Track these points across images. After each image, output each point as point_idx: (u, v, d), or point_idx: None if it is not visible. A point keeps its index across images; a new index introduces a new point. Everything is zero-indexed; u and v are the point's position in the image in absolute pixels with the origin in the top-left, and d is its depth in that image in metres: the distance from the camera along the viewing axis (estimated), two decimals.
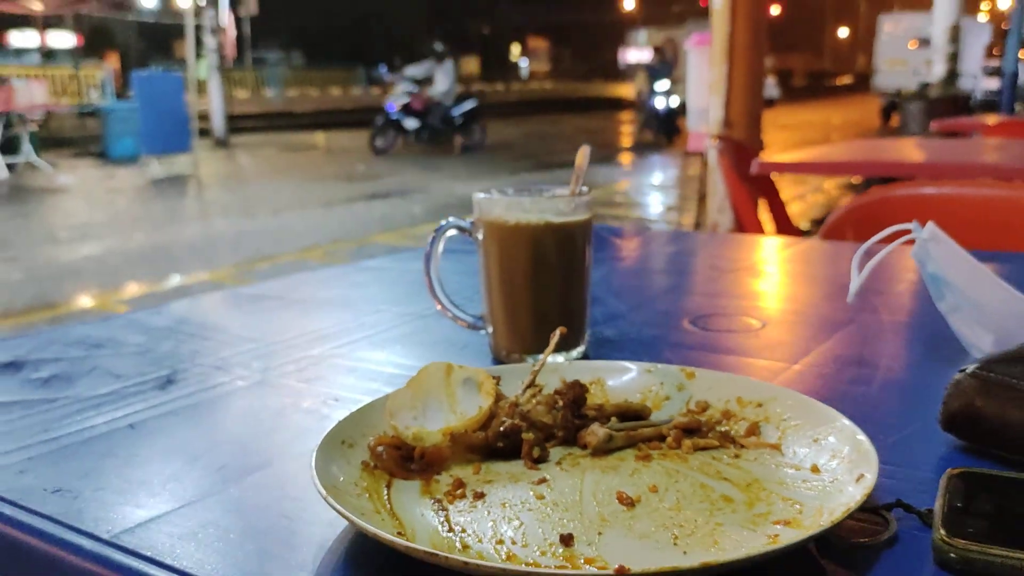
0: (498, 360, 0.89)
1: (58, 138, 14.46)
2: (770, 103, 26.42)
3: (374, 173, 10.64)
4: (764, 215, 3.40)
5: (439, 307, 0.89)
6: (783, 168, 3.35)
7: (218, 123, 15.29)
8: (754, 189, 3.45)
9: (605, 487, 0.59)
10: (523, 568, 0.45)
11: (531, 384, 0.69)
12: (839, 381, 0.82)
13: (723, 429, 0.67)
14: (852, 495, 0.53)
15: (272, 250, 6.49)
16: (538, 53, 53.74)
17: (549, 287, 0.86)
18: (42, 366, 0.92)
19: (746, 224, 3.26)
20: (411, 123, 12.89)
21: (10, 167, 10.86)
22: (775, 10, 26.06)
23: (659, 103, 14.59)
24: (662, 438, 0.66)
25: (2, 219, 8.14)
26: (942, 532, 0.51)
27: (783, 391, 0.68)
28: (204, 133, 14.36)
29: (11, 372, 0.91)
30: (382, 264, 1.43)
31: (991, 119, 5.81)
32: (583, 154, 0.89)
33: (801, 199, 8.63)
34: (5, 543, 0.59)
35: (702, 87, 6.39)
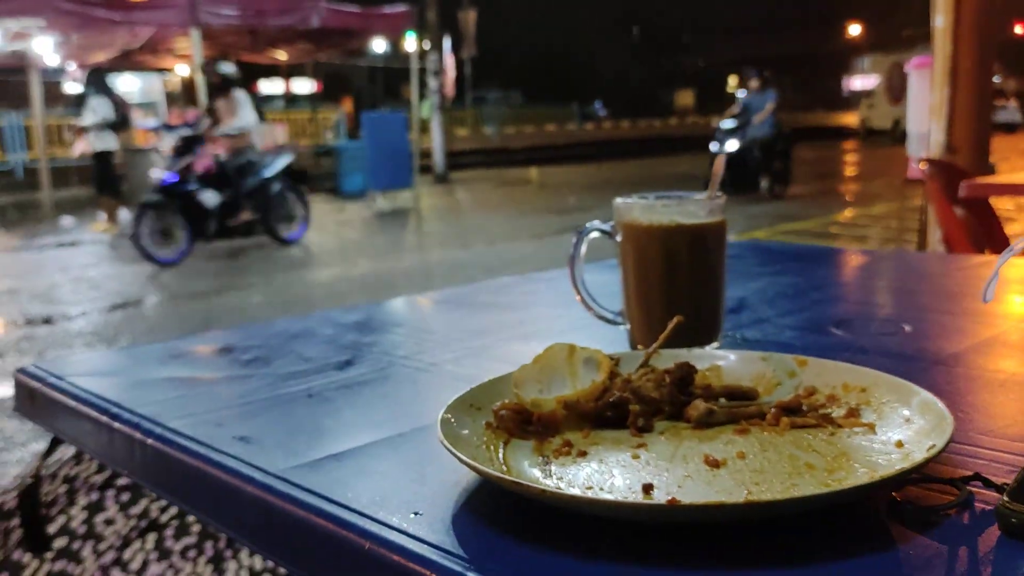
0: (636, 350, 0.96)
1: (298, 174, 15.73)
2: (1012, 128, 24.51)
3: (583, 206, 10.86)
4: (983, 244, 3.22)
5: (580, 301, 0.97)
6: (993, 191, 3.17)
7: (439, 159, 16.10)
8: (969, 215, 3.29)
9: (697, 452, 0.65)
10: (589, 496, 0.52)
11: (644, 364, 0.76)
12: (969, 376, 0.83)
13: (824, 412, 0.71)
14: (915, 460, 0.56)
15: (484, 278, 6.76)
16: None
17: (680, 285, 0.92)
18: (247, 351, 1.08)
19: (957, 250, 3.11)
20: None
21: None
22: (1020, 29, 24.21)
23: (729, 145, 10.98)
24: (763, 416, 0.71)
25: (246, 249, 8.97)
26: (1006, 499, 0.53)
27: (887, 377, 0.71)
28: (425, 169, 15.17)
29: (223, 355, 1.08)
30: (552, 275, 1.53)
31: None
32: (720, 162, 0.95)
33: None
34: (199, 477, 0.73)
35: (923, 111, 6.08)
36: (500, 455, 0.66)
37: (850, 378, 0.74)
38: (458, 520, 0.58)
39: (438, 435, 0.63)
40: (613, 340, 1.02)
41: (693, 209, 0.92)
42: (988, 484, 0.58)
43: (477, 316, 1.24)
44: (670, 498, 0.51)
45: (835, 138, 27.58)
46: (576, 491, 0.59)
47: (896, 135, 21.00)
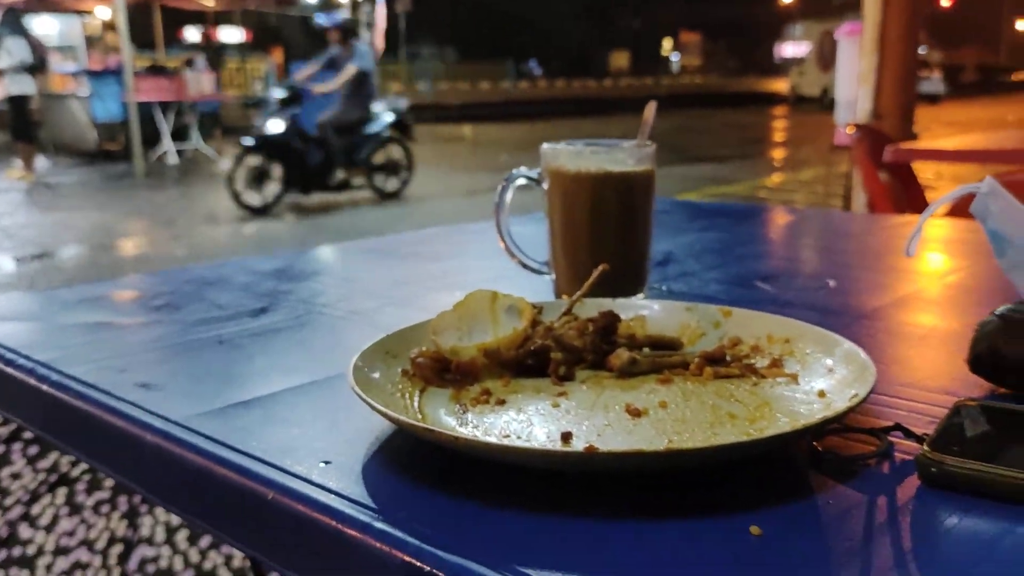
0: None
1: (226, 127, 15.32)
2: (934, 99, 25.13)
3: (516, 164, 10.79)
4: (904, 208, 3.29)
5: (504, 248, 0.95)
6: (918, 155, 3.24)
7: None
8: (893, 180, 3.35)
9: (619, 401, 0.64)
10: (504, 443, 0.50)
11: (567, 313, 0.74)
12: (891, 330, 0.83)
13: (748, 362, 0.70)
14: (837, 409, 0.55)
15: None
16: (690, 48, 52.94)
17: (607, 235, 0.90)
18: (158, 297, 1.03)
19: (880, 212, 3.17)
20: None
21: (179, 153, 11.60)
22: (945, 1, 24.73)
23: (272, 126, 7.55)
24: (687, 366, 0.70)
25: (170, 201, 8.72)
26: (926, 449, 0.53)
27: (811, 328, 0.71)
28: None
29: (132, 301, 1.03)
30: (480, 227, 1.50)
31: None
32: (650, 109, 0.92)
33: None
34: (97, 425, 0.69)
35: (851, 78, 6.18)
36: (415, 403, 0.64)
37: (774, 329, 0.73)
38: (369, 469, 0.56)
39: (349, 381, 0.60)
40: (539, 290, 1.00)
41: (622, 157, 0.89)
42: (908, 434, 0.58)
43: (402, 266, 1.21)
44: (588, 445, 0.49)
45: (766, 104, 27.95)
46: (492, 439, 0.57)
47: (825, 102, 21.35)
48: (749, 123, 19.86)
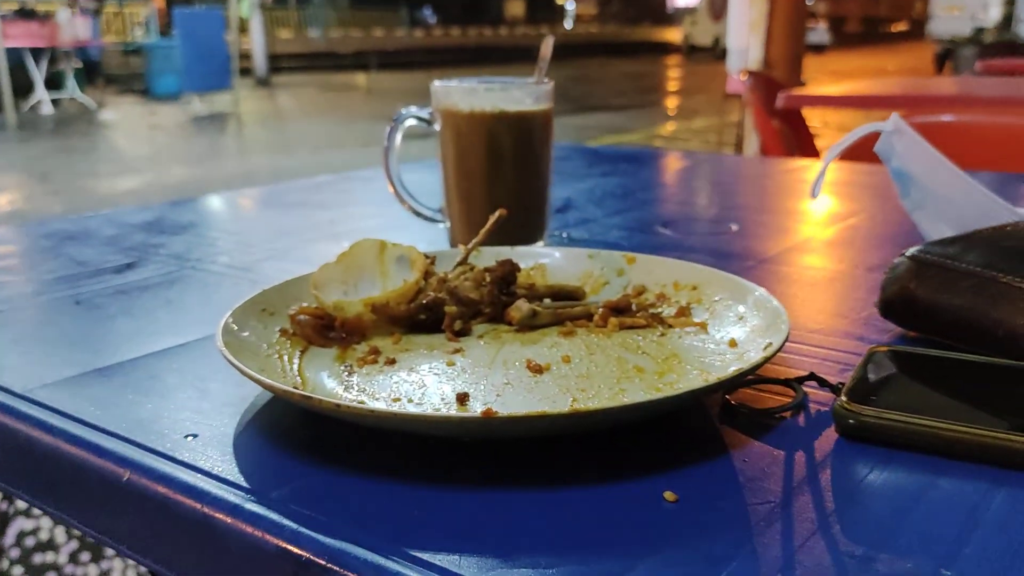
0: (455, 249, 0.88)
1: (108, 75, 14.58)
2: (820, 49, 25.75)
3: None
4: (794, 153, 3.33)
5: (394, 193, 0.88)
6: (808, 101, 3.27)
7: (259, 62, 15.31)
8: (786, 128, 3.38)
9: (519, 356, 0.59)
10: (393, 409, 0.45)
11: (462, 262, 0.69)
12: (800, 276, 0.81)
13: (655, 311, 0.66)
14: (752, 361, 0.51)
15: None
16: None
17: (504, 179, 0.85)
18: (7, 256, 0.93)
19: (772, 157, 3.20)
20: None
21: (55, 103, 10.99)
22: None
23: None
24: (590, 317, 0.65)
25: (45, 154, 8.25)
26: (843, 399, 0.50)
27: (718, 274, 0.67)
28: (245, 72, 14.40)
29: None
30: (369, 174, 1.43)
31: None
32: (547, 45, 0.87)
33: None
34: None
35: (742, 27, 6.23)
36: (295, 366, 0.57)
37: (681, 275, 0.69)
38: (241, 443, 0.49)
39: (217, 343, 0.53)
40: (433, 240, 0.94)
41: (518, 95, 0.84)
42: (823, 383, 0.55)
43: (285, 216, 1.13)
44: (486, 408, 0.44)
45: (660, 53, 28.18)
46: (379, 405, 0.51)
47: (717, 52, 21.64)
48: (644, 72, 19.99)
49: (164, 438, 0.50)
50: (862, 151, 1.94)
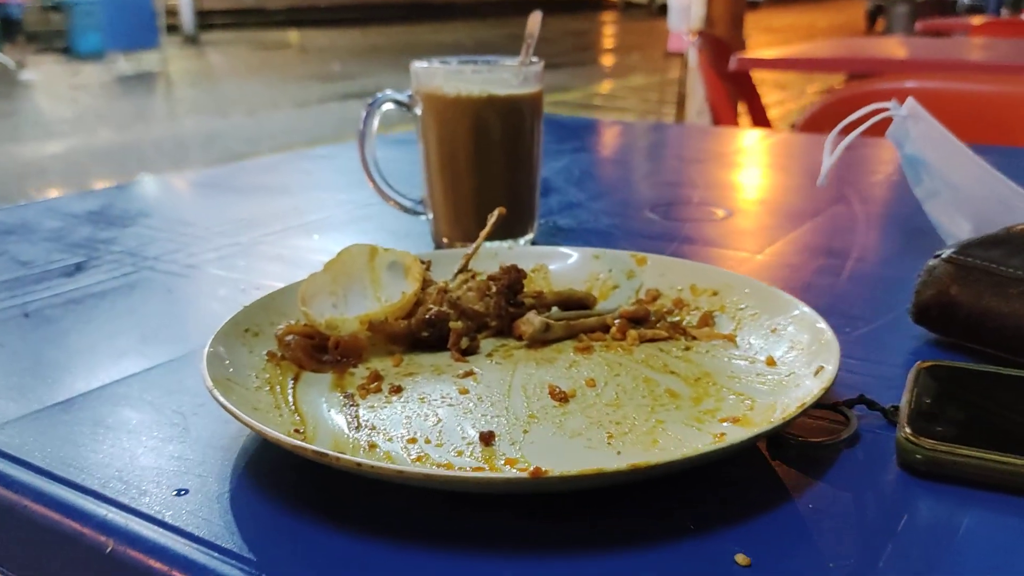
0: (439, 248, 0.82)
1: (29, 33, 13.94)
2: (754, 5, 25.85)
3: (349, 73, 10.36)
4: (742, 116, 3.30)
5: (373, 188, 0.82)
6: (762, 64, 3.24)
7: (187, 19, 14.78)
8: (733, 88, 3.34)
9: (537, 380, 0.53)
10: (423, 470, 0.39)
11: (463, 269, 0.63)
12: (805, 271, 0.76)
13: (674, 319, 0.61)
14: (808, 389, 0.47)
15: (244, 150, 6.32)
16: None
17: (493, 168, 0.78)
18: None
19: (723, 123, 3.17)
20: None
21: None
22: None
23: None
24: (606, 328, 0.60)
25: None
26: (907, 431, 0.45)
27: (740, 278, 0.62)
28: (172, 29, 13.92)
29: None
30: (332, 152, 1.35)
31: (977, 20, 5.67)
32: (534, 20, 0.80)
33: (781, 105, 8.48)
34: None
35: None
36: (290, 397, 0.51)
37: (698, 279, 0.64)
38: (240, 499, 0.43)
39: (204, 380, 0.47)
40: (410, 231, 0.88)
41: (506, 77, 0.77)
42: (873, 407, 0.50)
43: (244, 202, 1.05)
44: (534, 469, 0.38)
45: (594, 10, 28.01)
46: (399, 450, 0.45)
47: (653, 8, 21.60)
48: (579, 29, 19.84)
49: (149, 496, 0.43)
50: (824, 122, 1.91)
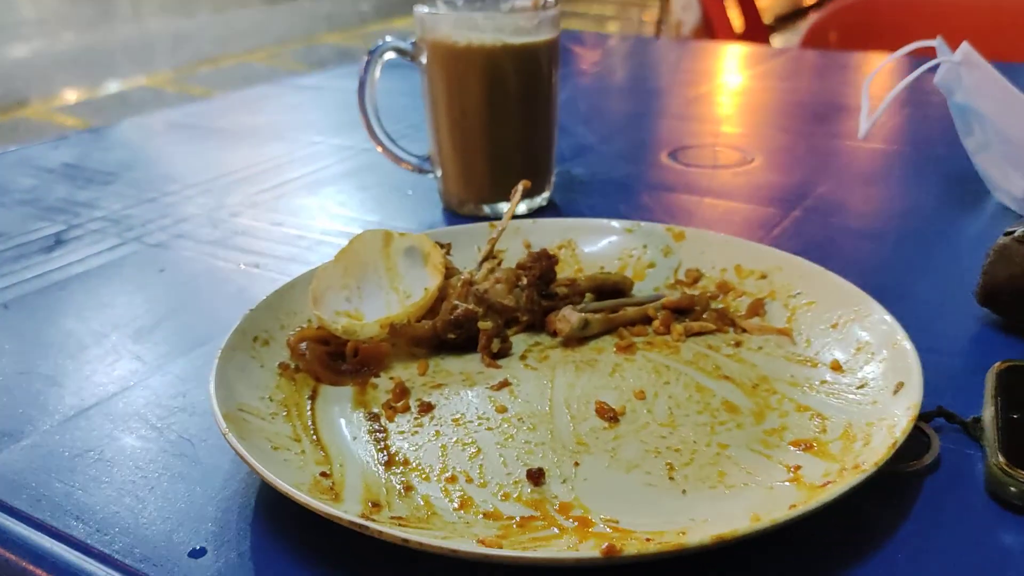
0: (449, 210, 0.76)
1: None
2: None
3: None
4: (732, 11, 3.18)
5: (379, 149, 0.75)
6: None
7: None
8: None
9: (580, 392, 0.48)
10: (478, 550, 0.34)
11: (489, 256, 0.57)
12: (846, 235, 0.71)
13: (719, 307, 0.56)
14: (891, 414, 0.42)
15: (214, 51, 6.10)
16: None
17: (508, 123, 0.72)
18: None
19: (714, 19, 3.05)
20: None
21: None
22: None
23: None
24: (647, 320, 0.55)
25: None
26: (1001, 460, 0.41)
27: (791, 259, 0.57)
28: None
29: None
30: (320, 82, 1.26)
31: None
32: None
33: None
34: None
35: None
36: (309, 422, 0.46)
37: (744, 258, 0.59)
38: (265, 560, 0.38)
39: (217, 421, 0.41)
40: (417, 184, 0.81)
41: (522, 23, 0.70)
42: (952, 419, 0.46)
43: (231, 148, 0.98)
44: (607, 546, 0.34)
45: None
46: (437, 491, 0.40)
47: None
48: None
49: (163, 557, 0.38)
50: (830, 33, 1.82)
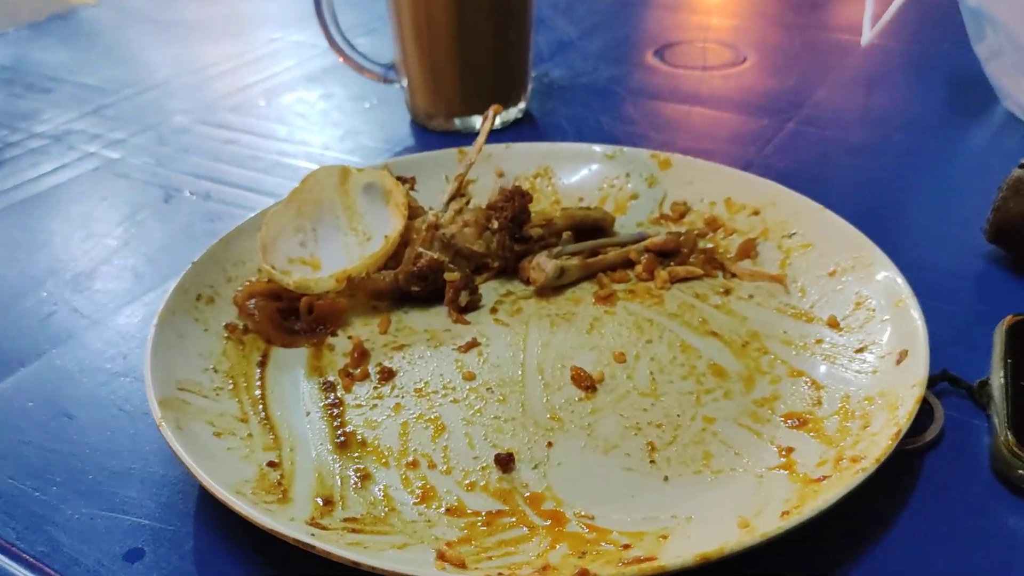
0: (418, 123, 0.70)
1: None
2: None
3: None
4: None
5: (341, 59, 0.68)
6: None
7: None
8: None
9: (555, 354, 0.44)
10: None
11: (457, 193, 0.52)
12: (843, 151, 0.66)
13: (707, 246, 0.52)
14: (892, 389, 0.38)
15: None
16: None
17: (478, 30, 0.65)
18: None
19: None
20: None
21: None
22: None
23: None
24: (629, 264, 0.50)
25: None
26: (1010, 439, 0.37)
27: (787, 194, 0.52)
28: None
29: None
30: None
31: None
32: None
33: None
34: None
35: None
36: (257, 393, 0.42)
37: (736, 190, 0.54)
38: (209, 556, 0.35)
39: (153, 411, 0.37)
40: (381, 94, 0.75)
41: None
42: (956, 383, 0.42)
43: (183, 45, 0.90)
44: (579, 570, 0.30)
45: None
46: (396, 479, 0.37)
47: None
48: None
49: (94, 560, 0.35)
50: None
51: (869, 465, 0.34)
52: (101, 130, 0.71)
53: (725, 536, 0.32)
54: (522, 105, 0.70)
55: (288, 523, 0.33)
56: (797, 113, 0.71)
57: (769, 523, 0.32)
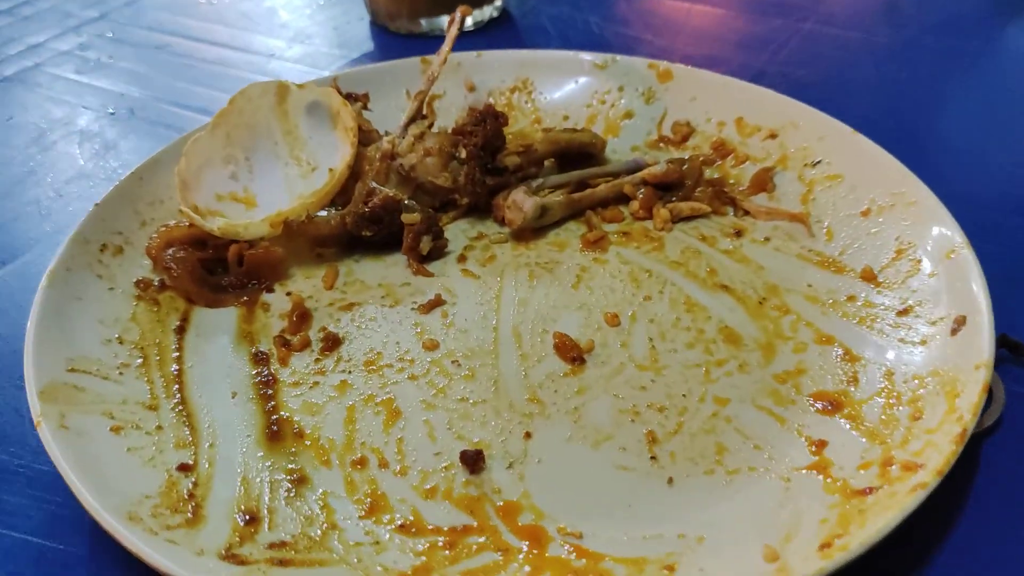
0: (378, 24, 0.61)
1: None
2: None
3: None
4: None
5: None
6: None
7: None
8: None
9: (535, 314, 0.37)
10: None
11: (417, 115, 0.43)
12: (868, 56, 0.57)
13: (714, 176, 0.44)
14: (949, 369, 0.31)
15: None
16: None
17: None
18: None
19: None
20: None
21: None
22: None
23: None
24: (623, 199, 0.43)
25: None
26: None
27: (811, 113, 0.44)
28: None
29: None
30: None
31: None
32: None
33: None
34: None
35: None
36: (172, 370, 0.34)
37: (748, 109, 0.45)
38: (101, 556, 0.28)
39: (32, 409, 0.30)
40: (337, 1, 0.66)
41: None
42: (1017, 349, 0.35)
43: None
44: None
45: None
46: (338, 482, 0.30)
47: None
48: None
49: None
50: None
51: (929, 479, 0.27)
52: (16, 32, 0.61)
53: (747, 572, 0.25)
54: (498, 2, 0.61)
55: (194, 560, 0.26)
56: (815, 10, 0.62)
57: (805, 560, 0.25)
